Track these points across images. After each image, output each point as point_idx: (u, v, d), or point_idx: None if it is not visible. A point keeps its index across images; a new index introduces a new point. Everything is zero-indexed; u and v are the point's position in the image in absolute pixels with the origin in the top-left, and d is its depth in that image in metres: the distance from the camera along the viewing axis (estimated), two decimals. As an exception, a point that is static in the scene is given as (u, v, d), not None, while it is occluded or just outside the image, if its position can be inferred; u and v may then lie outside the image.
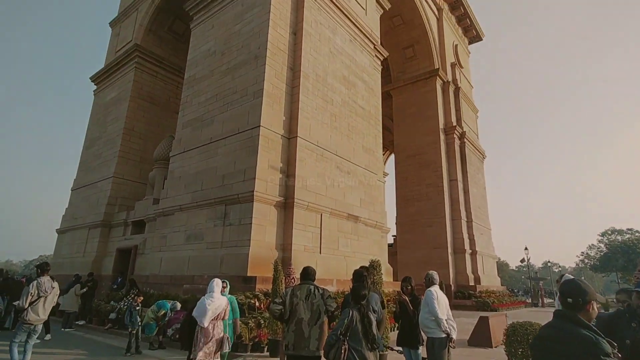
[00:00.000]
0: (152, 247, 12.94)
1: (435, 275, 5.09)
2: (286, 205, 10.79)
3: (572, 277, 5.23)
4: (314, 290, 4.13)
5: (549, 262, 72.67)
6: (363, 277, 4.48)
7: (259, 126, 10.73)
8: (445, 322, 4.65)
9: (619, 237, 55.68)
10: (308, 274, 4.35)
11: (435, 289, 4.86)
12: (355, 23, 15.54)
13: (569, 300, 1.94)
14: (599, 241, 58.26)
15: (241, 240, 9.93)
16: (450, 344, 4.70)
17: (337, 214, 12.19)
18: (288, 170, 11.16)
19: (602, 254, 55.79)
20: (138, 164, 17.67)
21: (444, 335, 4.63)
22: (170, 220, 12.29)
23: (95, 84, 20.90)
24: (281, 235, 10.53)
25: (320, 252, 11.07)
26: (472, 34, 32.73)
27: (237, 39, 12.76)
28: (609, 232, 57.47)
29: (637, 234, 53.45)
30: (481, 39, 33.56)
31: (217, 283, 5.62)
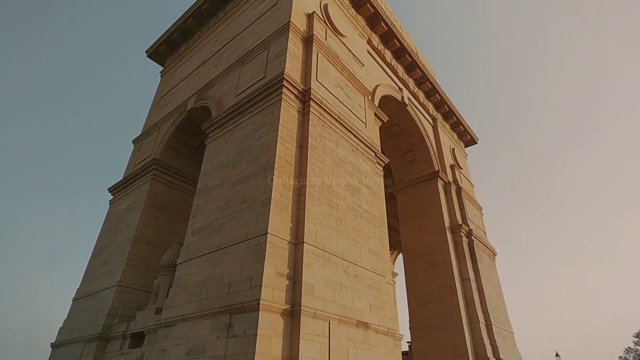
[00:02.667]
0: (150, 364, 12.18)
1: None
2: (293, 314, 10.47)
3: None
4: None
5: (586, 370, 64.89)
6: None
7: (267, 233, 11.06)
8: None
9: (656, 339, 50.81)
10: None
11: None
12: (357, 135, 17.00)
13: None
14: (635, 343, 53.04)
15: (245, 354, 9.42)
16: None
17: (345, 321, 11.70)
18: (295, 277, 11.12)
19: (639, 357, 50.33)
20: (144, 271, 17.63)
21: None
22: (172, 332, 11.81)
23: (112, 194, 22.08)
24: (287, 347, 10.00)
25: (329, 366, 10.35)
26: (467, 139, 35.16)
27: (247, 153, 13.94)
28: (645, 334, 52.62)
29: (676, 335, 48.88)
30: (476, 143, 35.90)
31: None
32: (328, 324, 11.00)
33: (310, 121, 14.60)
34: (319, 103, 15.32)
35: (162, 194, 19.91)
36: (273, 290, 10.32)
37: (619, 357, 59.07)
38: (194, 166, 20.72)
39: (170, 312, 12.28)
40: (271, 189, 12.02)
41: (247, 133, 14.73)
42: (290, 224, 12.06)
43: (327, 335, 10.78)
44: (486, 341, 21.20)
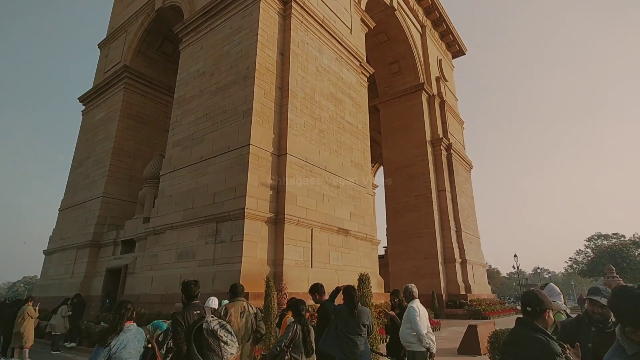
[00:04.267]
0: (142, 266, 12.93)
1: (414, 288, 5.28)
2: (277, 221, 10.97)
3: (555, 286, 5.51)
4: (248, 308, 4.38)
5: (538, 268, 73.52)
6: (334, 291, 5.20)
7: (249, 144, 10.97)
8: (426, 337, 4.76)
9: (605, 242, 56.78)
10: (237, 291, 4.63)
11: (417, 305, 4.98)
12: (341, 42, 16.02)
13: (528, 308, 2.20)
14: (586, 246, 59.33)
15: (233, 257, 10.05)
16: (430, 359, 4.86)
17: (327, 228, 12.39)
18: (278, 187, 11.38)
19: (589, 259, 56.76)
20: (127, 183, 17.69)
21: (424, 350, 4.79)
22: (161, 239, 12.34)
23: (83, 105, 20.97)
24: (272, 251, 10.68)
25: (311, 267, 11.23)
26: (455, 49, 33.73)
27: (225, 60, 13.09)
28: (595, 237, 58.56)
29: (622, 239, 54.60)
30: (464, 54, 34.60)
31: (213, 301, 5.74)
32: (311, 230, 11.64)
33: (292, 25, 13.54)
34: (302, 4, 14.05)
35: (137, 104, 19.03)
36: (257, 200, 10.62)
37: (569, 257, 66.53)
38: (170, 74, 19.52)
39: (157, 220, 12.66)
40: (252, 99, 11.60)
41: (224, 37, 13.65)
42: (273, 135, 11.94)
43: (310, 241, 11.49)
44: (454, 245, 23.19)
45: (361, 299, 7.86)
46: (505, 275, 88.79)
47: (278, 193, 11.29)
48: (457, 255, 22.89)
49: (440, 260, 22.27)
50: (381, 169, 31.60)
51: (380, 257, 19.63)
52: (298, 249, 11.02)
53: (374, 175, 36.07)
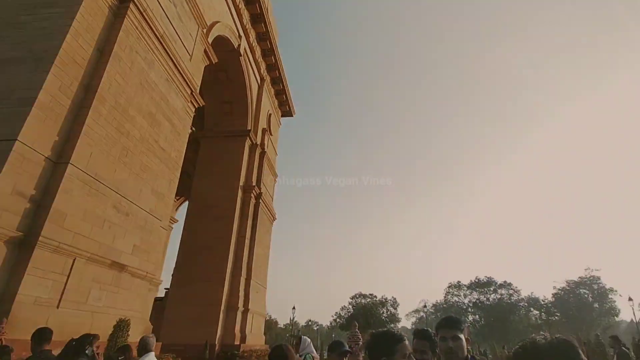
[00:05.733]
0: None
1: (150, 340, 4.92)
2: (24, 243, 8.60)
3: (307, 338, 6.06)
4: None
5: (310, 320, 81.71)
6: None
7: (16, 140, 8.62)
8: None
9: (362, 300, 68.54)
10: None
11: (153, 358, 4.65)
12: (177, 65, 15.23)
13: None
14: (349, 303, 70.16)
15: None
16: None
17: (97, 259, 10.52)
18: (42, 201, 9.14)
19: (350, 314, 67.07)
20: None
21: None
22: None
23: None
24: (6, 281, 8.20)
25: (57, 307, 9.07)
26: (286, 109, 37.01)
27: (16, 31, 10.36)
28: (357, 296, 70.14)
29: (374, 299, 67.23)
30: (292, 115, 38.32)
31: None
32: (73, 260, 9.61)
33: (123, 26, 12.09)
34: (142, 11, 12.87)
35: None
36: (1, 212, 8.19)
37: (336, 312, 77.08)
38: None
39: None
40: (41, 88, 9.39)
41: (24, 4, 10.94)
42: (57, 138, 9.80)
43: (67, 274, 9.40)
44: (241, 293, 23.41)
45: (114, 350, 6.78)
46: (282, 326, 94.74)
47: (39, 208, 9.03)
48: (241, 304, 23.06)
49: (222, 307, 21.88)
50: (186, 203, 30.06)
51: (159, 299, 17.89)
52: (46, 283, 8.81)
53: (176, 209, 33.94)
